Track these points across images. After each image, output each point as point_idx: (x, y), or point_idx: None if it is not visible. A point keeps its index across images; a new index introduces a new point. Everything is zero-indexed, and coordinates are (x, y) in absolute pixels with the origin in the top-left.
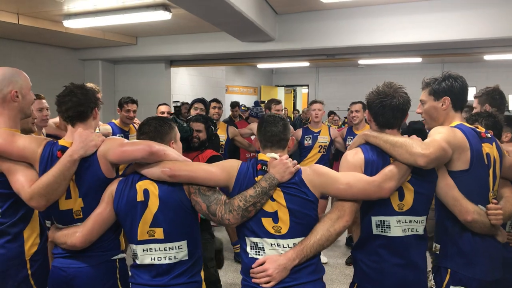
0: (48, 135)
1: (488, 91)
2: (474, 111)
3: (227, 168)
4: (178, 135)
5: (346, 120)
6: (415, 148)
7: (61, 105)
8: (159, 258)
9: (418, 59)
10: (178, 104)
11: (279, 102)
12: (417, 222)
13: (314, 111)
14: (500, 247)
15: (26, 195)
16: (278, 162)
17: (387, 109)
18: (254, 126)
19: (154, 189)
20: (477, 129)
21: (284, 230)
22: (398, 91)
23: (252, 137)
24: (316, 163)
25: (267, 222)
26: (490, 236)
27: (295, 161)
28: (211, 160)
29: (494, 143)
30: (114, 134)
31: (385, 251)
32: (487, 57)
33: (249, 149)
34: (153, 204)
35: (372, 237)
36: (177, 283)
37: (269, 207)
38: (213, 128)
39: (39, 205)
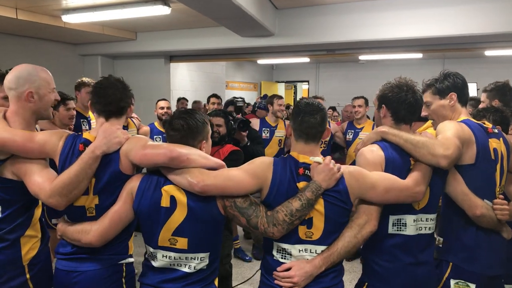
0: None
1: (498, 86)
2: (482, 105)
3: (259, 173)
4: (210, 132)
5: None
6: (437, 149)
7: (101, 96)
8: (179, 265)
9: (419, 55)
10: (240, 101)
11: (281, 97)
12: (430, 220)
13: None
14: (504, 243)
15: (45, 193)
16: (323, 167)
17: (408, 104)
18: (252, 122)
19: (182, 197)
20: (484, 125)
21: (315, 237)
22: (415, 86)
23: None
24: None
25: (301, 229)
26: (495, 231)
27: (339, 165)
28: (231, 154)
29: (501, 138)
30: None
31: (399, 250)
32: (488, 52)
33: None
34: (180, 213)
35: (386, 236)
36: None
37: None
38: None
39: (60, 204)
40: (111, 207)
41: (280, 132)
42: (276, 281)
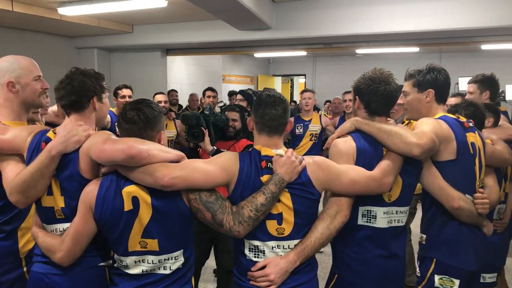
0: (47, 124)
1: (488, 77)
2: (470, 96)
3: (226, 166)
4: (164, 122)
5: (323, 113)
6: (410, 137)
7: (56, 92)
8: (153, 269)
9: (416, 49)
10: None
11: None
12: (402, 213)
13: (304, 100)
14: (484, 238)
15: (6, 190)
16: (285, 160)
17: (381, 95)
18: None
19: (145, 197)
20: (460, 120)
21: (287, 232)
22: (390, 78)
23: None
24: (308, 151)
25: (271, 225)
26: (475, 227)
27: (300, 157)
28: (246, 149)
29: (476, 132)
30: (112, 122)
31: (369, 242)
32: (484, 46)
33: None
34: (145, 214)
35: (356, 227)
36: None
37: (274, 208)
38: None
39: (18, 202)
40: (72, 220)
41: None
42: (251, 282)
